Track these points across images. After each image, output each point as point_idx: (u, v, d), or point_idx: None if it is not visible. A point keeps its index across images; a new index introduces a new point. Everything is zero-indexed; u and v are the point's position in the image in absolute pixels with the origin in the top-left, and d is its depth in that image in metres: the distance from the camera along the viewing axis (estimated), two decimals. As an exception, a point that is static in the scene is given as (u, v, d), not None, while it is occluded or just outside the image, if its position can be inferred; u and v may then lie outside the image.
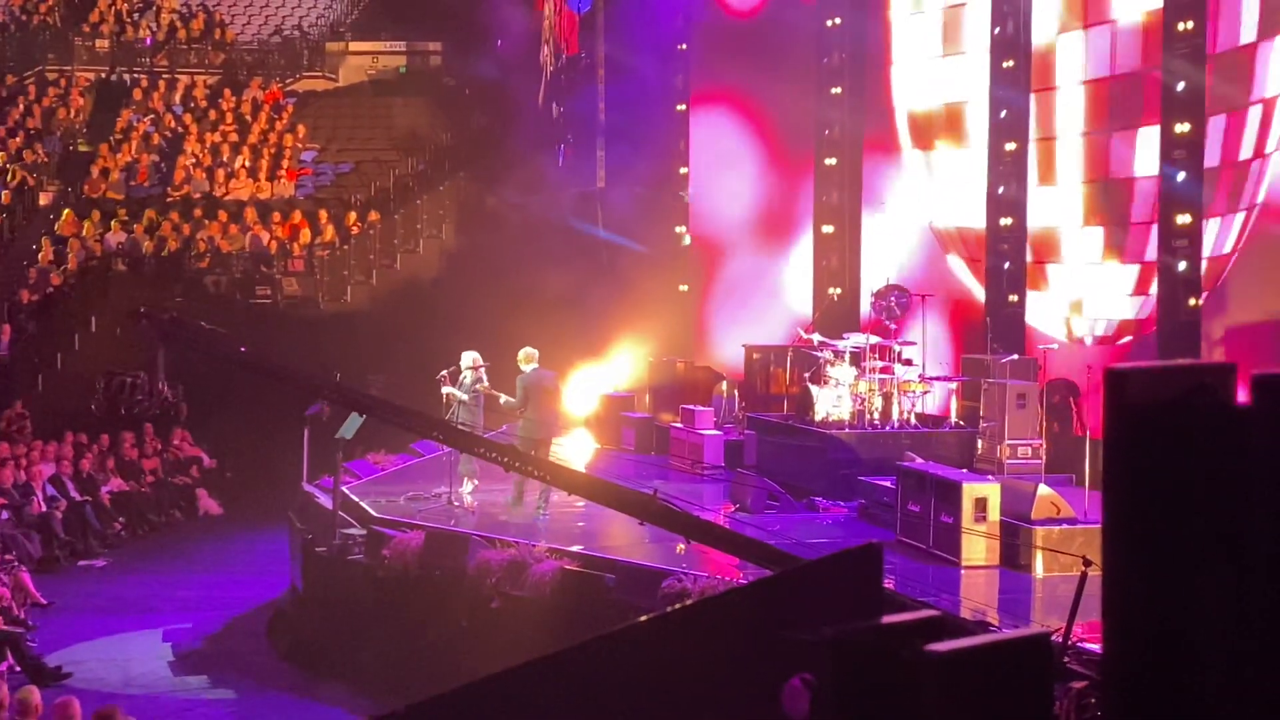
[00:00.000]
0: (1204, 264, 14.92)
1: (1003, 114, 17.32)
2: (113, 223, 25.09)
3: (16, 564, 15.72)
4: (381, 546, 13.58)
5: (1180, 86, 14.80)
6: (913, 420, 16.03)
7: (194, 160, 26.67)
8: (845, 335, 16.92)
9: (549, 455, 14.20)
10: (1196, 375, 1.83)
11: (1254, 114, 15.65)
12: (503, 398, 14.80)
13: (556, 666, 2.42)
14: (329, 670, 13.35)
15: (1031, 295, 17.46)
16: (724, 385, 19.38)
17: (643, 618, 2.19)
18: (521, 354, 14.99)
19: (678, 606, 2.07)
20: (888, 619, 2.07)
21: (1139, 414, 1.82)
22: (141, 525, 19.88)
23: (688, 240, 22.70)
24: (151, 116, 27.67)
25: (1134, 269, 16.84)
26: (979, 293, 18.11)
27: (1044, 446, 14.97)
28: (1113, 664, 1.90)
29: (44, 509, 18.20)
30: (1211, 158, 15.18)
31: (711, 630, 2.13)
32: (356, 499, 15.05)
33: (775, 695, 2.00)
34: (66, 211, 25.38)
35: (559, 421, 15.99)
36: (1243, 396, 1.80)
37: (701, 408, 18.21)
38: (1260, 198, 15.85)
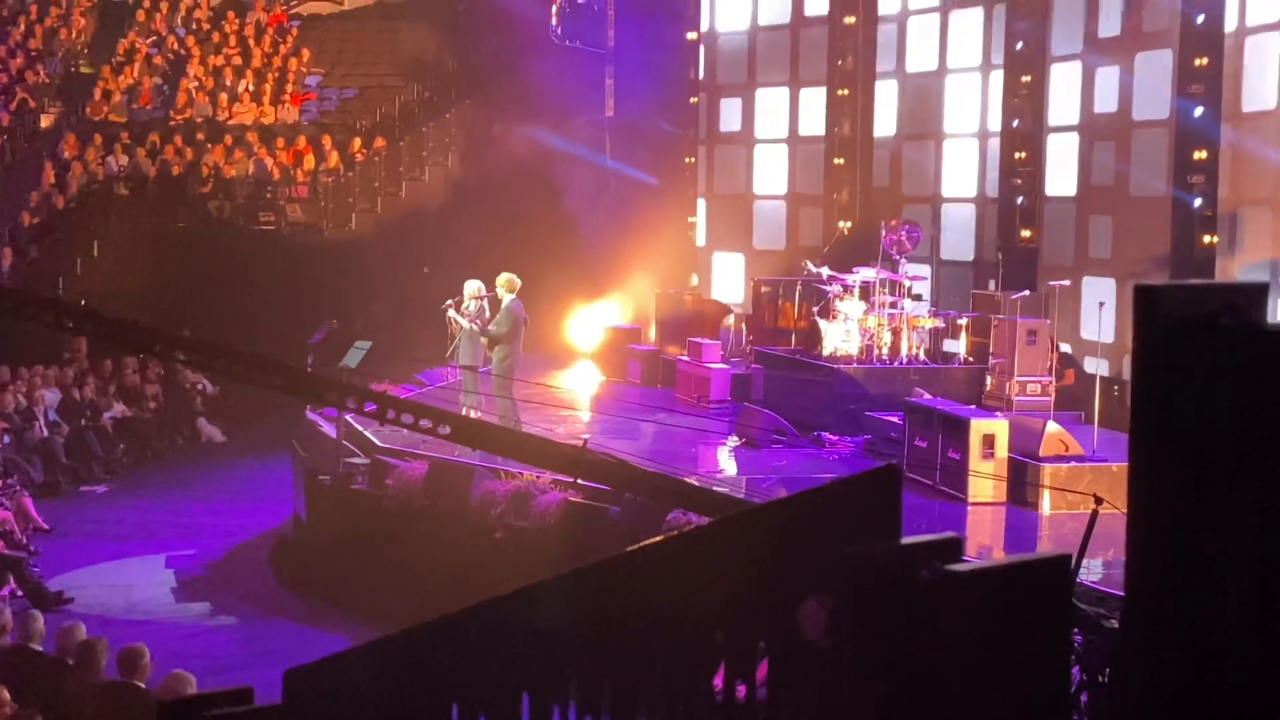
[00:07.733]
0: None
1: (1019, 46, 17.06)
2: (115, 146, 24.85)
3: (18, 488, 15.68)
4: (385, 476, 13.51)
5: (1200, 18, 14.54)
6: (921, 356, 15.90)
7: (197, 84, 26.38)
8: (855, 269, 16.75)
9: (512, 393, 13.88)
10: (1229, 295, 1.73)
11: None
12: (490, 326, 14.25)
13: (562, 587, 2.30)
14: (331, 598, 13.32)
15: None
16: (731, 318, 19.22)
17: (655, 538, 2.06)
18: (504, 279, 14.19)
19: (691, 526, 1.95)
20: (907, 539, 1.95)
21: (1169, 331, 1.72)
22: (144, 451, 19.84)
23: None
24: (154, 38, 27.35)
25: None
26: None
27: (1053, 384, 14.84)
28: (1135, 587, 1.80)
29: (46, 434, 18.14)
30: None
31: (725, 551, 2.02)
32: (360, 428, 14.96)
33: (791, 616, 1.88)
34: (68, 134, 25.15)
35: None
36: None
37: (708, 341, 18.09)
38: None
